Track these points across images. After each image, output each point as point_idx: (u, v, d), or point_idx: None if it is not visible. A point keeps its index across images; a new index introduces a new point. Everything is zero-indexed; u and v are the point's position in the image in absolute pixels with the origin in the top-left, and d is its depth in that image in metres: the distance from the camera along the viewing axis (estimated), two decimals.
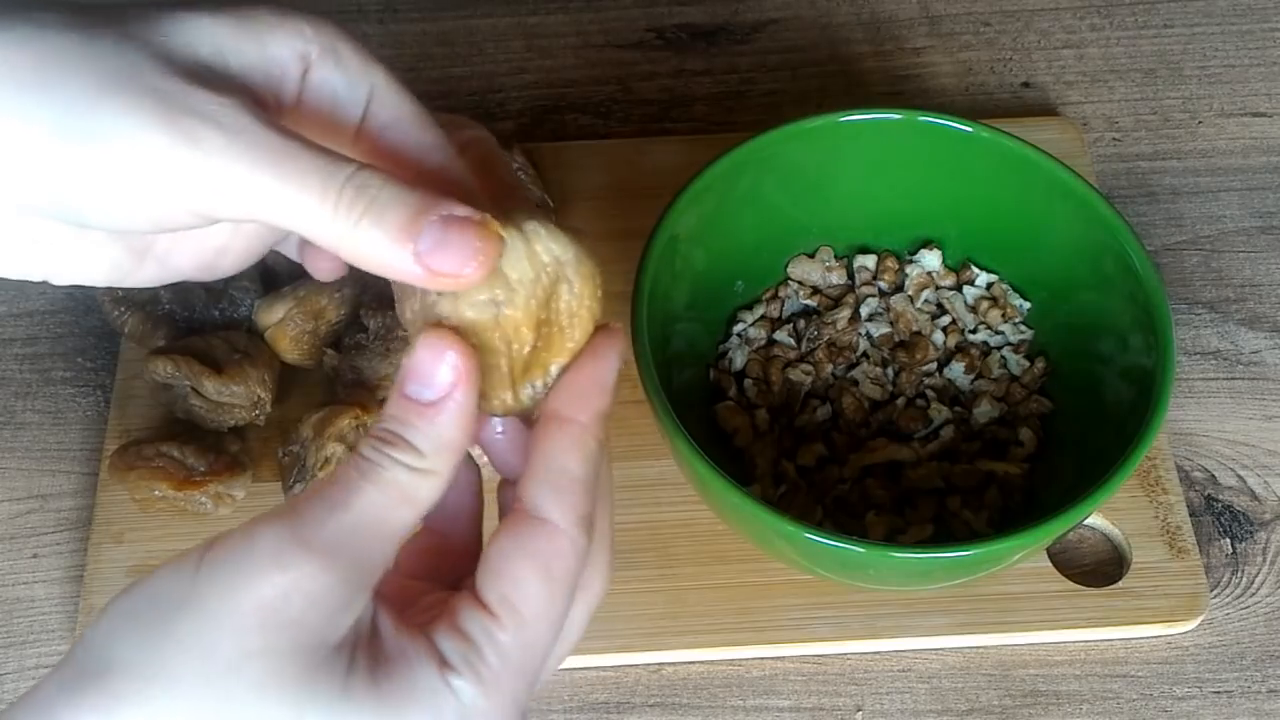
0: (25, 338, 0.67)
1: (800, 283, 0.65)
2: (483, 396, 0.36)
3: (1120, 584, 0.59)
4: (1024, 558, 0.54)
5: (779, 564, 0.58)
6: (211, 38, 0.35)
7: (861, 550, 0.51)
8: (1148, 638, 0.59)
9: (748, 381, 0.62)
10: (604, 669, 0.58)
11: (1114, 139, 0.75)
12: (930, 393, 0.62)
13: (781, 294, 0.64)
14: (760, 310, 0.64)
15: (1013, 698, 0.58)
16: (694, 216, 0.58)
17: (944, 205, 0.63)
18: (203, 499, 0.59)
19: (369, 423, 0.59)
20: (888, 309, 0.64)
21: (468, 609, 0.34)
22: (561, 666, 0.57)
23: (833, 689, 0.58)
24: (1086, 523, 0.60)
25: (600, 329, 0.37)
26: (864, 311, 0.63)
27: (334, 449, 0.58)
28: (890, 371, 0.62)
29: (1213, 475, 0.63)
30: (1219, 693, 0.58)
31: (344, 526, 0.33)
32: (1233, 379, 0.66)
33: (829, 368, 0.62)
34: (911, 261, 0.65)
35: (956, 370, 0.62)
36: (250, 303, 0.63)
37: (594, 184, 0.71)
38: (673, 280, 0.58)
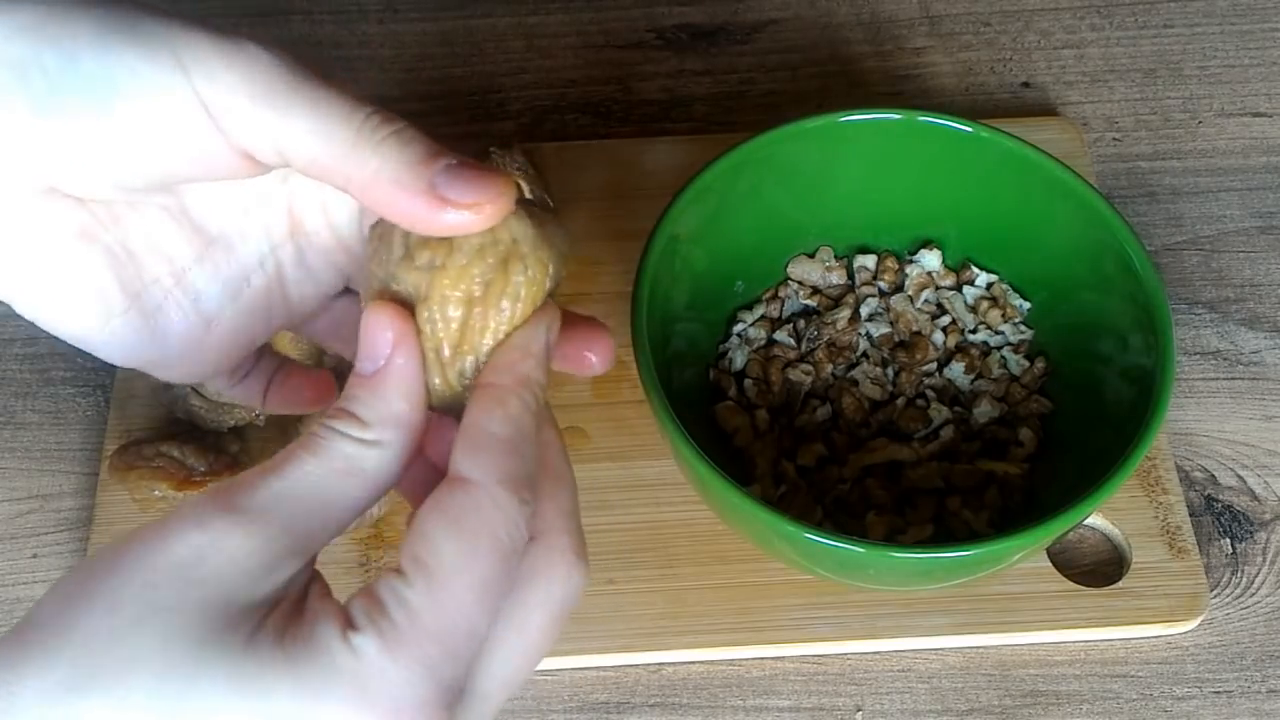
0: (25, 338, 0.67)
1: (800, 283, 0.65)
2: None
3: (1120, 584, 0.59)
4: (1024, 558, 0.54)
5: (779, 564, 0.58)
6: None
7: (861, 550, 0.51)
8: (1148, 638, 0.59)
9: (748, 381, 0.62)
10: (604, 669, 0.58)
11: (1114, 139, 0.75)
12: (930, 393, 0.62)
13: (781, 294, 0.64)
14: (760, 310, 0.64)
15: (1013, 698, 0.58)
16: (694, 216, 0.58)
17: (944, 205, 0.63)
18: None
19: None
20: (888, 309, 0.64)
21: (383, 575, 0.33)
22: (561, 667, 0.58)
23: (833, 689, 0.58)
24: (1086, 523, 0.60)
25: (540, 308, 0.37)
26: (864, 311, 0.63)
27: None
28: (890, 371, 0.62)
29: (1213, 475, 0.63)
30: (1219, 693, 0.58)
31: (274, 492, 0.33)
32: (1233, 379, 0.66)
33: (829, 368, 0.62)
34: (911, 261, 0.65)
35: (956, 370, 0.62)
36: None
37: (594, 184, 0.71)
38: (673, 280, 0.58)
